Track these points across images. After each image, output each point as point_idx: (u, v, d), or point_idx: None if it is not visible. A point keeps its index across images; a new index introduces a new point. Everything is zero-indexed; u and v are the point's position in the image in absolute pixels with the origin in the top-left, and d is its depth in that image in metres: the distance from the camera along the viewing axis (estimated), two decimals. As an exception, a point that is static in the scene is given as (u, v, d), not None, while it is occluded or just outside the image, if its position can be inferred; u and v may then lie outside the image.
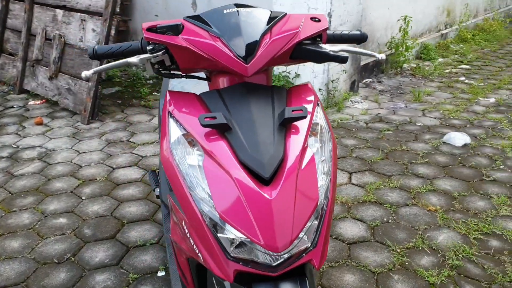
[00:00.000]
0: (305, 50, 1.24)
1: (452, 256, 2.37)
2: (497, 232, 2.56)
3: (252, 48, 1.16)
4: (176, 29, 1.18)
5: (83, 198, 2.97)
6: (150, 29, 1.20)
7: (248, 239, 1.03)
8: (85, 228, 2.66)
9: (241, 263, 1.07)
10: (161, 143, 1.21)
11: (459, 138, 3.73)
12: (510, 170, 3.27)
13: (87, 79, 1.31)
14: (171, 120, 1.20)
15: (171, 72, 1.30)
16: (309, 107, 1.21)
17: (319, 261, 1.10)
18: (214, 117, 1.11)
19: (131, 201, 2.93)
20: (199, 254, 1.12)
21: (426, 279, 2.21)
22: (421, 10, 6.55)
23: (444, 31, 7.36)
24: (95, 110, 4.19)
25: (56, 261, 2.39)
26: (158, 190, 2.20)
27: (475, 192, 2.98)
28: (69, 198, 2.97)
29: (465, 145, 3.69)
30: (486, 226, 2.61)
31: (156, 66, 1.26)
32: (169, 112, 1.21)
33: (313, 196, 1.10)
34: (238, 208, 1.04)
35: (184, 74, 1.31)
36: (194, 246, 1.13)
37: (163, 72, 1.28)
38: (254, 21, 1.20)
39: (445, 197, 2.93)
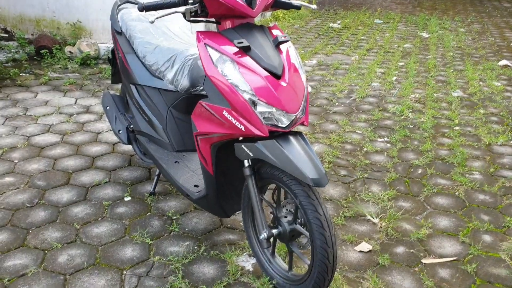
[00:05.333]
0: (279, 2, 2.05)
1: (326, 156, 3.45)
2: (348, 141, 3.74)
3: (254, 0, 1.92)
4: None
5: (16, 161, 3.26)
6: None
7: (278, 109, 1.83)
8: (36, 181, 3.03)
9: (270, 125, 1.86)
10: (203, 66, 1.90)
11: (302, 88, 4.90)
12: (342, 105, 4.54)
13: (152, 22, 1.90)
14: (209, 48, 1.89)
15: (198, 18, 1.97)
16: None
17: (308, 122, 1.96)
18: (242, 42, 1.87)
19: (65, 158, 3.33)
20: (241, 127, 1.86)
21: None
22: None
23: (262, 11, 8.64)
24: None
25: (28, 205, 2.77)
26: (131, 126, 2.77)
27: (326, 121, 4.15)
28: (2, 163, 3.23)
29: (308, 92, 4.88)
30: (341, 138, 3.77)
31: (192, 14, 1.92)
32: (205, 43, 1.91)
33: (302, 85, 1.95)
34: (269, 92, 1.83)
35: (205, 20, 2.00)
36: (237, 123, 1.86)
37: (192, 18, 1.96)
38: None
39: (309, 127, 4.03)
